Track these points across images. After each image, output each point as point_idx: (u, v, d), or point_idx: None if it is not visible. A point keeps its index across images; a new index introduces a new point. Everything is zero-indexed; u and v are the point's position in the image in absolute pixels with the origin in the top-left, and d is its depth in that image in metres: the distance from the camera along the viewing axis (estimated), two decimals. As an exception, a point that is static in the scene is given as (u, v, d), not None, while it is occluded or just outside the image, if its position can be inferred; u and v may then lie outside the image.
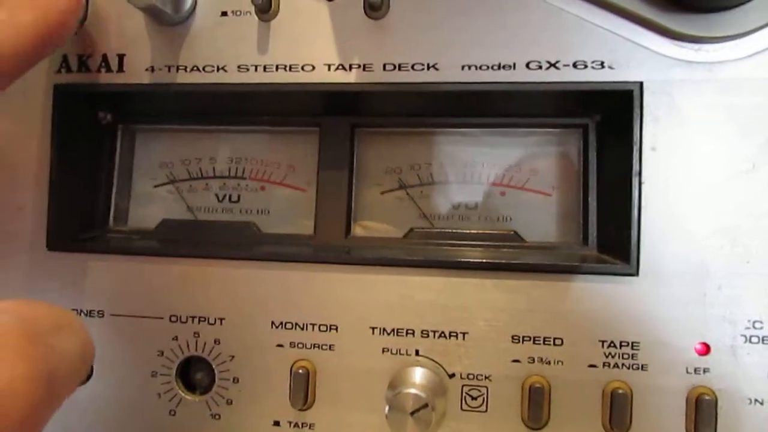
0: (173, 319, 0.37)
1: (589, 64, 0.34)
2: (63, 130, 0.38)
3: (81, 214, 0.40)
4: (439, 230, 0.38)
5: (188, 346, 0.37)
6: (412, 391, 0.32)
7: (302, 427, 0.36)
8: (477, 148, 0.40)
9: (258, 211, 0.41)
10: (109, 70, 0.38)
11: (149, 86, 0.37)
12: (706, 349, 0.33)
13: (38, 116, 0.38)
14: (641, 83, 0.33)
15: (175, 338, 0.37)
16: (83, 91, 0.38)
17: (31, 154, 0.38)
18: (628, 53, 0.34)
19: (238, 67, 0.37)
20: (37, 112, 0.38)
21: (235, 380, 0.36)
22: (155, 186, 0.43)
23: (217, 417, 0.37)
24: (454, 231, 0.38)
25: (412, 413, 0.31)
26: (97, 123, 0.41)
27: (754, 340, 0.32)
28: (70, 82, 0.38)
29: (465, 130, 0.40)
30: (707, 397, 0.32)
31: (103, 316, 0.38)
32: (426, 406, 0.31)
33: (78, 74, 0.38)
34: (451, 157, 0.40)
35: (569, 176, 0.39)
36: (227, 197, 0.42)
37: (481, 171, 0.40)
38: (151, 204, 0.42)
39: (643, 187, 0.33)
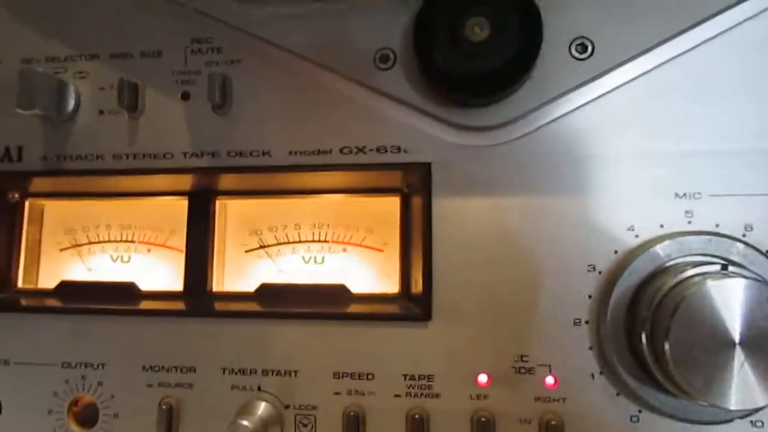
0: (64, 365, 0.45)
1: (389, 149, 0.42)
2: (-26, 210, 0.46)
3: (-6, 278, 0.48)
4: (283, 284, 0.46)
5: (77, 387, 0.45)
6: (243, 422, 0.39)
7: (169, 452, 0.43)
8: (324, 212, 0.48)
9: (144, 269, 0.49)
10: (10, 159, 0.46)
11: (44, 172, 0.46)
12: (486, 379, 0.40)
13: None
14: (429, 164, 0.41)
15: (66, 381, 0.45)
16: (-10, 178, 0.46)
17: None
18: (419, 140, 0.42)
19: (113, 155, 0.45)
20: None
21: (116, 415, 0.44)
22: (61, 250, 0.51)
23: (101, 446, 0.44)
24: (295, 284, 0.46)
25: (241, 440, 0.39)
26: (5, 201, 0.49)
27: (523, 371, 0.40)
28: (-22, 171, 0.46)
29: (315, 196, 0.48)
30: (484, 419, 0.40)
31: (8, 364, 0.45)
32: (252, 434, 0.39)
33: (-15, 164, 0.46)
34: (303, 220, 0.48)
35: (396, 236, 0.46)
36: (120, 258, 0.50)
37: (327, 231, 0.47)
38: (57, 266, 0.50)
39: (433, 246, 0.41)
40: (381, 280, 0.46)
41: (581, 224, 0.40)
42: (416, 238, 0.43)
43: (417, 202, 0.43)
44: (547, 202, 0.40)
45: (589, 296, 0.40)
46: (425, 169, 0.41)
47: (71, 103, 0.45)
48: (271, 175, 0.44)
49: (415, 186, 0.43)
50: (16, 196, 0.49)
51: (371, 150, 0.42)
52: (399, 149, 0.42)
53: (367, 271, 0.47)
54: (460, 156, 0.41)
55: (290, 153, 0.43)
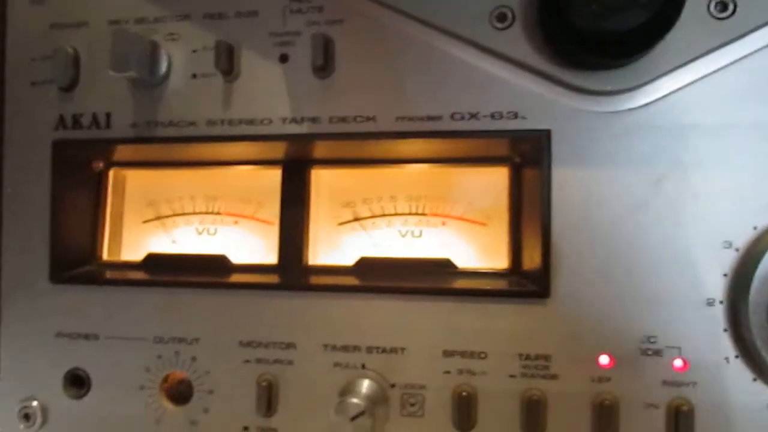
0: (157, 339, 0.43)
1: (505, 115, 0.39)
2: (61, 178, 0.45)
3: (79, 250, 0.46)
4: (383, 258, 0.44)
5: (170, 363, 0.43)
6: (353, 399, 0.37)
7: (267, 431, 0.42)
8: (422, 184, 0.45)
9: (231, 242, 0.47)
10: (98, 126, 0.44)
11: (133, 140, 0.44)
12: (610, 361, 0.38)
13: (41, 167, 0.44)
14: (549, 131, 0.39)
15: (159, 356, 0.43)
16: (77, 145, 0.44)
17: (35, 199, 0.45)
18: (538, 105, 0.39)
19: (207, 121, 0.43)
20: (40, 164, 0.44)
21: (210, 392, 0.42)
22: (144, 222, 0.49)
23: (195, 423, 0.43)
24: (397, 258, 0.44)
25: (352, 419, 0.37)
26: (91, 170, 0.47)
27: (650, 352, 0.37)
28: (65, 138, 0.44)
29: (412, 166, 0.45)
30: (608, 403, 0.37)
31: (98, 338, 0.44)
32: (363, 413, 0.37)
33: (72, 131, 0.44)
34: (399, 192, 0.45)
35: (501, 209, 0.44)
36: (206, 231, 0.48)
37: (425, 204, 0.45)
38: (140, 238, 0.49)
39: (553, 220, 0.39)
40: (484, 256, 0.44)
41: (715, 199, 0.37)
42: (529, 211, 0.41)
43: (530, 172, 0.41)
44: (677, 174, 0.37)
45: (725, 275, 0.37)
46: (545, 136, 0.39)
47: (163, 67, 0.43)
48: (369, 144, 0.42)
49: (529, 155, 0.41)
50: (101, 165, 0.47)
51: (485, 116, 0.40)
52: (515, 115, 0.39)
53: (469, 246, 0.44)
54: (582, 123, 0.38)
55: (397, 119, 0.40)
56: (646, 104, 0.38)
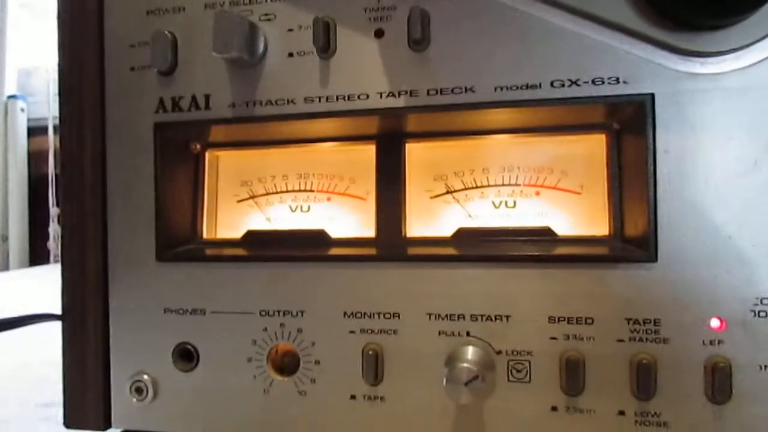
0: (262, 313, 0.45)
1: (606, 81, 0.39)
2: (163, 161, 0.46)
3: (182, 230, 0.48)
4: (482, 228, 0.44)
5: (276, 335, 0.44)
6: (465, 365, 0.38)
7: (374, 399, 0.43)
8: (514, 155, 0.45)
9: (325, 218, 0.48)
10: (197, 108, 0.45)
11: (233, 120, 0.45)
12: (720, 324, 0.38)
13: (143, 151, 0.46)
14: (653, 95, 0.38)
15: (265, 329, 0.44)
16: (178, 127, 0.46)
17: (139, 182, 0.46)
18: (640, 69, 0.39)
19: (305, 99, 0.44)
20: (142, 148, 0.46)
21: (317, 362, 0.44)
22: (238, 201, 0.50)
23: (303, 393, 0.44)
24: (495, 228, 0.44)
25: (466, 384, 0.38)
26: (189, 152, 0.48)
27: (762, 314, 0.37)
28: (166, 120, 0.46)
29: (502, 137, 0.45)
30: (722, 365, 0.37)
31: (204, 313, 0.45)
32: (477, 377, 0.38)
33: (173, 113, 0.46)
34: (490, 164, 0.46)
35: (595, 177, 0.44)
36: (299, 208, 0.49)
37: (518, 174, 0.45)
38: (235, 217, 0.50)
39: (658, 185, 0.38)
40: (581, 224, 0.44)
41: (829, 155, 0.37)
42: (631, 178, 0.41)
43: (630, 138, 0.41)
44: (788, 132, 0.37)
45: (841, 233, 0.36)
46: (649, 100, 0.38)
47: (261, 46, 0.44)
48: (464, 115, 0.42)
49: (630, 121, 0.40)
50: (198, 146, 0.49)
51: (585, 82, 0.40)
52: (617, 80, 0.39)
53: (565, 215, 0.44)
54: (687, 86, 0.38)
55: (496, 89, 0.41)
56: (754, 64, 0.38)
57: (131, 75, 0.47)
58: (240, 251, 0.47)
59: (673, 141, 0.38)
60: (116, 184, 0.47)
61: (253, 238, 0.47)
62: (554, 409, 0.40)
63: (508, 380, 0.41)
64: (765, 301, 0.37)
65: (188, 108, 0.46)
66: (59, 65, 0.48)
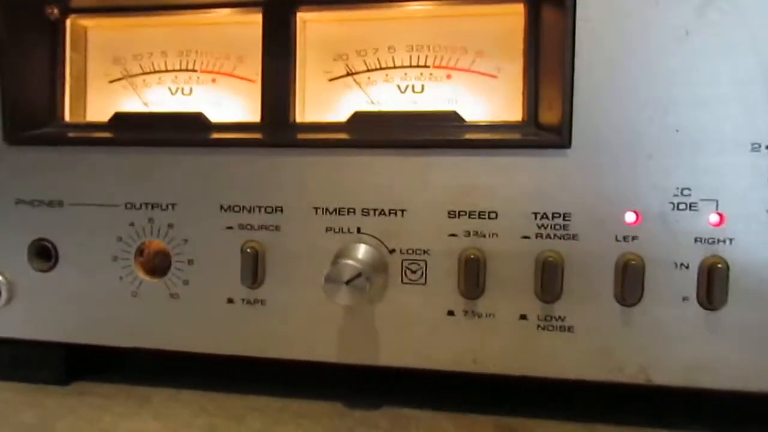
0: (128, 206, 0.39)
1: (523, -67, 0.33)
2: (8, 26, 0.39)
3: (37, 109, 0.41)
4: (380, 111, 0.39)
5: (144, 231, 0.39)
6: (349, 261, 0.33)
7: (254, 303, 0.38)
8: (424, 31, 0.40)
9: (209, 102, 0.42)
10: (47, -40, 0.38)
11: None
12: (636, 218, 0.34)
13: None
14: (575, -49, 0.33)
15: (132, 224, 0.39)
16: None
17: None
18: None
19: (174, -49, 0.36)
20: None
21: (190, 262, 0.38)
22: (110, 81, 0.43)
23: (175, 296, 0.39)
24: (395, 111, 0.38)
25: (347, 282, 0.33)
26: (44, 17, 0.41)
27: (682, 207, 0.33)
28: (10, -26, 0.38)
29: (412, 6, 0.39)
30: (634, 263, 0.33)
31: (62, 206, 0.39)
32: (360, 275, 0.33)
33: (17, -34, 0.38)
34: (397, 41, 0.40)
35: (515, 58, 0.38)
36: (180, 90, 0.42)
37: (428, 54, 0.40)
38: (107, 100, 0.43)
39: (577, 59, 0.33)
40: (495, 110, 0.39)
41: (768, 26, 0.32)
42: (549, 55, 0.35)
43: (550, 11, 0.35)
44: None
45: (775, 116, 0.32)
46: (570, -42, 0.33)
47: None
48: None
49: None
50: (56, 11, 0.41)
51: (500, -65, 0.34)
52: (536, -67, 0.33)
53: (479, 101, 0.39)
54: (614, -60, 0.33)
55: (396, -59, 0.34)
56: None
57: None
58: (105, 135, 0.40)
59: (594, 7, 0.33)
60: (-46, 53, 0.39)
61: (121, 121, 0.41)
62: (451, 313, 0.36)
63: (402, 282, 0.36)
64: (686, 192, 0.33)
65: (36, -40, 0.38)
66: None
